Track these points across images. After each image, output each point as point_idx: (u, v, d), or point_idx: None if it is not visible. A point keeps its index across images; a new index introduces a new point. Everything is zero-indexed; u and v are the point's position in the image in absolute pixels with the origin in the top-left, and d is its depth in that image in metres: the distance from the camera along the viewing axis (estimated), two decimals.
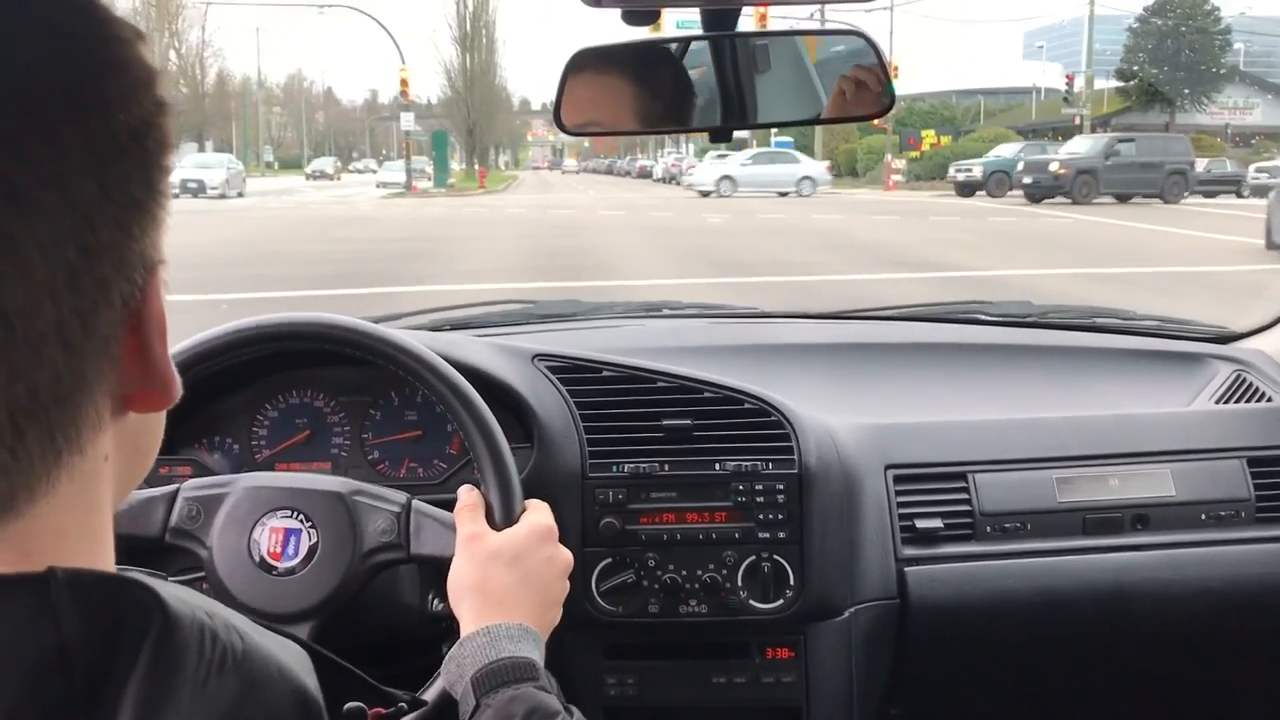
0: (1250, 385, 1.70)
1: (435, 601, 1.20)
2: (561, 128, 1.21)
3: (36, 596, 0.43)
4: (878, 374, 1.77)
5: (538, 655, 0.95)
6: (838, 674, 1.41)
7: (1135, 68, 45.35)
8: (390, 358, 1.13)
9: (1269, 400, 1.67)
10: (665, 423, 1.39)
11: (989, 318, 1.97)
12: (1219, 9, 46.16)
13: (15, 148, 0.41)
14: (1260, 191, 27.65)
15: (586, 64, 1.18)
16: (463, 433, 1.13)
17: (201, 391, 1.26)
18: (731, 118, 1.20)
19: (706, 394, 1.42)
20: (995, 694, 1.62)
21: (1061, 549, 1.49)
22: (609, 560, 1.35)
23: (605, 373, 1.44)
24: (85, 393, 0.45)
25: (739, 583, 1.34)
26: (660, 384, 1.43)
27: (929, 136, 37.61)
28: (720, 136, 1.22)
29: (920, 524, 1.47)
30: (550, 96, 1.20)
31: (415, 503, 1.12)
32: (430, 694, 0.98)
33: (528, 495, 1.12)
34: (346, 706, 0.84)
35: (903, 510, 1.47)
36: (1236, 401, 1.68)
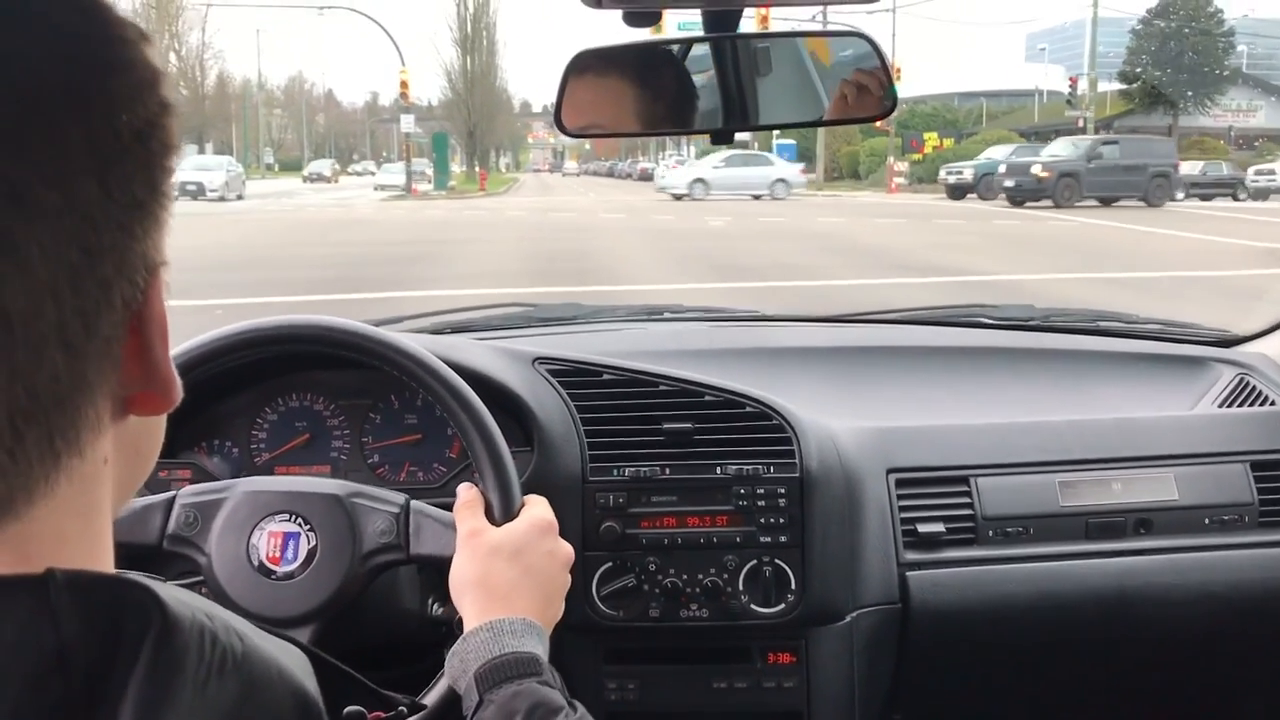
0: (1253, 389, 1.69)
1: (435, 605, 1.20)
2: (562, 129, 1.20)
3: (36, 598, 0.43)
4: (879, 377, 1.77)
5: (541, 650, 0.94)
6: (839, 679, 1.41)
7: (1138, 70, 45.21)
8: (390, 360, 1.13)
9: (1272, 404, 1.66)
10: (666, 426, 1.39)
11: (991, 321, 1.97)
12: (1222, 11, 46.06)
13: (17, 147, 0.41)
14: (1260, 194, 27.54)
15: (587, 66, 1.18)
16: (462, 435, 1.12)
17: (201, 394, 1.26)
18: (733, 120, 1.19)
19: (707, 397, 1.41)
20: (998, 699, 1.62)
21: (1064, 553, 1.49)
22: (610, 564, 1.34)
23: (606, 376, 1.43)
24: (85, 395, 0.45)
25: (740, 587, 1.34)
26: (661, 387, 1.43)
27: (931, 139, 37.59)
28: (722, 139, 1.21)
29: (922, 528, 1.46)
30: (551, 99, 1.20)
31: (414, 503, 1.12)
32: (430, 698, 0.98)
33: None
34: (346, 710, 0.84)
35: (904, 514, 1.47)
36: (1239, 405, 1.67)
